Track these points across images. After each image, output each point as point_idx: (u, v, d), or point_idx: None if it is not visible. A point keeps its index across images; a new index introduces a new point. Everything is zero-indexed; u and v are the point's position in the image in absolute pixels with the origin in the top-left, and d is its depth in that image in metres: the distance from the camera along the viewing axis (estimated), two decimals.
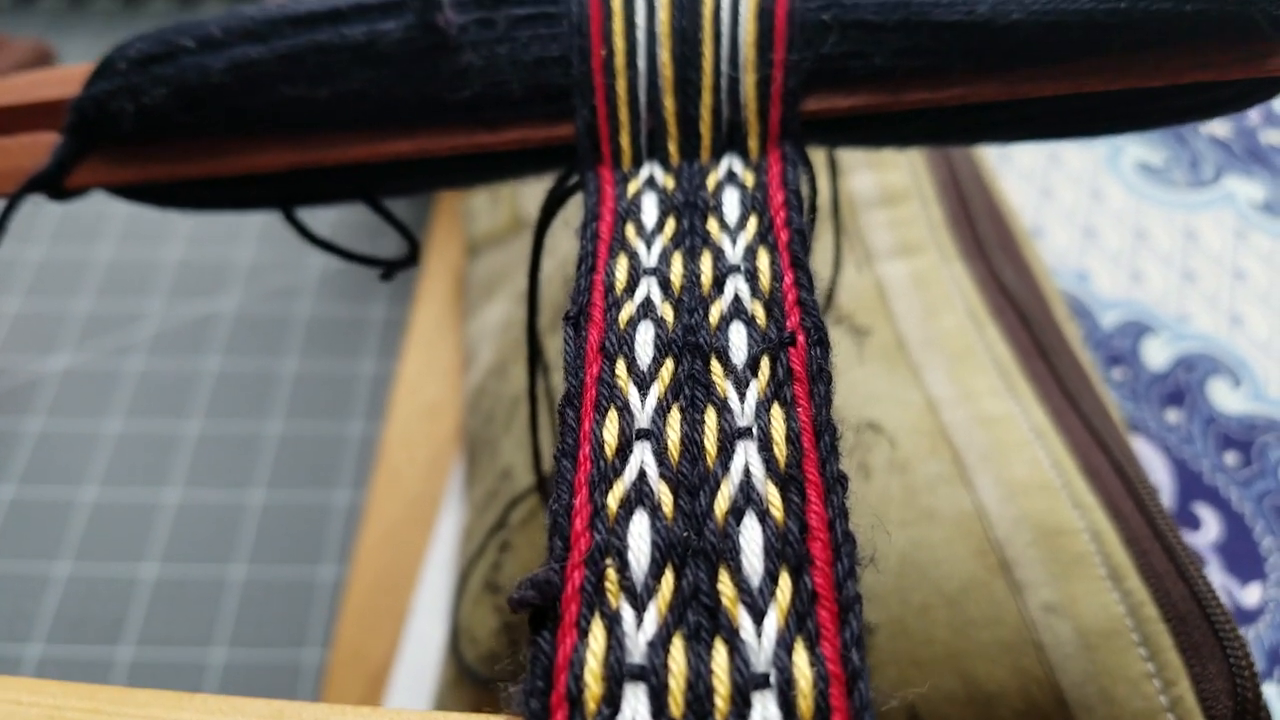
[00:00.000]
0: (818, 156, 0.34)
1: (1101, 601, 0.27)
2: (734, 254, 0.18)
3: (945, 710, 0.28)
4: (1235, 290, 0.42)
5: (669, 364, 0.17)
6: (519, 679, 0.14)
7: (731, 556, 0.14)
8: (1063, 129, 0.23)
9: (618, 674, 0.13)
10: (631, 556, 0.14)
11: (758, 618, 0.14)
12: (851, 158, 0.41)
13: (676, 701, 0.13)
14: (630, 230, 0.19)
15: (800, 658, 0.13)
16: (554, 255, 0.41)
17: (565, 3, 0.21)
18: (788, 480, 0.15)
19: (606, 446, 0.16)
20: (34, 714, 0.14)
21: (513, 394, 0.41)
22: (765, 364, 0.17)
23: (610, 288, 0.18)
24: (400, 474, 0.44)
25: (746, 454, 0.15)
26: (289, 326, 0.52)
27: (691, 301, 0.18)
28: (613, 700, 0.13)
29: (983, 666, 0.28)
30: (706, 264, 0.18)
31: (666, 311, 0.18)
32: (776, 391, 0.16)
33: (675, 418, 0.16)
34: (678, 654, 0.13)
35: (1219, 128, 0.48)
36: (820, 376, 0.16)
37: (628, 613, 0.14)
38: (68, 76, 0.23)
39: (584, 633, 0.14)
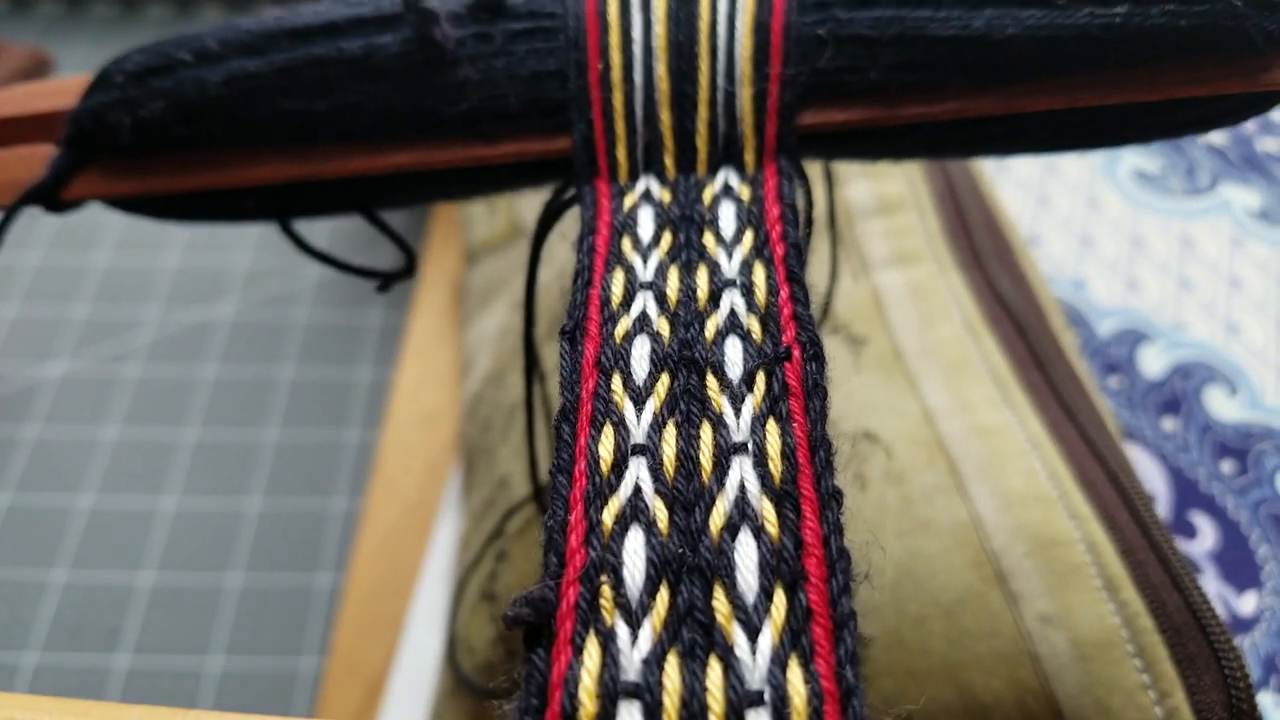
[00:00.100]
0: (814, 167, 0.34)
1: (1097, 612, 0.27)
2: (730, 268, 0.18)
3: None
4: (1231, 298, 0.42)
5: (665, 379, 0.17)
6: (514, 696, 0.14)
7: (726, 573, 0.14)
8: (1058, 142, 0.23)
9: (612, 692, 0.13)
10: (626, 573, 0.14)
11: (752, 635, 0.14)
12: (848, 167, 0.41)
13: (671, 719, 0.13)
14: (626, 244, 0.19)
15: (795, 675, 0.13)
16: (551, 264, 0.41)
17: (562, 17, 0.21)
18: (783, 496, 0.15)
19: (602, 462, 0.16)
20: None
21: (510, 402, 0.41)
22: (761, 379, 0.17)
23: (606, 302, 0.18)
24: (397, 482, 0.44)
25: (742, 469, 0.15)
26: (286, 334, 0.52)
27: (687, 316, 0.18)
28: (607, 718, 0.13)
29: (979, 678, 0.28)
30: (702, 278, 0.18)
31: (662, 326, 0.18)
32: (772, 407, 0.16)
33: (671, 433, 0.16)
34: (672, 671, 0.13)
35: (1215, 135, 0.49)
36: (815, 391, 0.16)
37: (623, 630, 0.14)
38: (64, 88, 0.23)
39: (579, 650, 0.14)
